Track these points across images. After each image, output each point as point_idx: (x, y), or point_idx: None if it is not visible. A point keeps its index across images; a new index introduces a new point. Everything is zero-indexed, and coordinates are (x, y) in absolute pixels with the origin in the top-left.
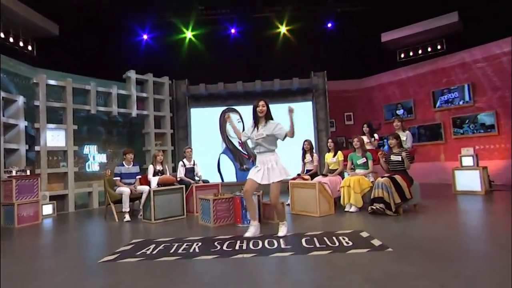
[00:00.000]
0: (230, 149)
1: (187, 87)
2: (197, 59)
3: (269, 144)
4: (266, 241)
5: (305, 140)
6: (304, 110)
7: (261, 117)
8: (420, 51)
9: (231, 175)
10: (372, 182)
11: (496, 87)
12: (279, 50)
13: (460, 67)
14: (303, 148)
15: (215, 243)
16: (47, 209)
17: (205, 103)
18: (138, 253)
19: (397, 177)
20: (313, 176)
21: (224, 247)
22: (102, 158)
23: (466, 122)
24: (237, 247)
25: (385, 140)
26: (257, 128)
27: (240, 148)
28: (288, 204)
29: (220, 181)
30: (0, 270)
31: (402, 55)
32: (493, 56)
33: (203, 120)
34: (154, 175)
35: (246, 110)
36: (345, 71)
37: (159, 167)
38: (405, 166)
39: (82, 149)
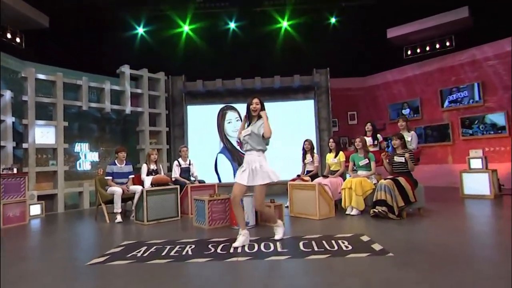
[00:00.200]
0: (228, 149)
1: (184, 84)
2: (194, 54)
3: (256, 143)
4: (262, 244)
5: (306, 140)
6: (305, 109)
7: (254, 116)
8: (427, 48)
9: (228, 176)
10: (374, 184)
11: (507, 86)
12: (280, 46)
13: (469, 65)
14: (303, 148)
15: (209, 246)
16: (35, 209)
17: (202, 100)
18: (129, 255)
19: (401, 180)
20: (313, 177)
21: (218, 250)
22: (94, 156)
23: (475, 122)
24: (231, 250)
25: (389, 141)
26: (248, 126)
27: (238, 147)
28: (287, 206)
29: (217, 181)
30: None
31: (409, 52)
32: (504, 53)
33: (200, 118)
34: (147, 175)
35: (245, 108)
36: (349, 68)
37: (153, 167)
38: (408, 168)
39: (73, 147)
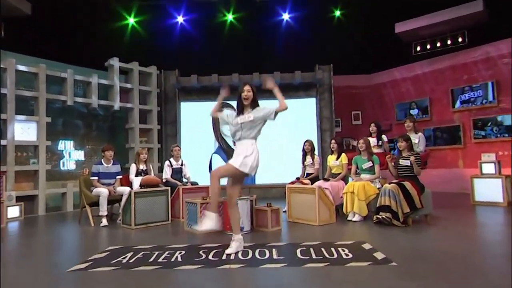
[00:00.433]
0: (224, 149)
1: (177, 78)
2: (189, 47)
3: (252, 131)
4: (257, 251)
5: (306, 141)
6: (307, 107)
7: (247, 105)
8: (438, 44)
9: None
10: (378, 188)
11: None
12: (281, 40)
13: (483, 62)
14: (303, 149)
15: (200, 252)
16: (13, 211)
17: (197, 97)
18: (113, 261)
19: (407, 184)
20: (313, 180)
21: (210, 257)
22: (79, 155)
23: (489, 124)
24: (224, 257)
25: (395, 143)
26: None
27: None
28: (285, 211)
29: None
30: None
31: (418, 48)
32: None
33: (194, 116)
34: (136, 175)
35: None
36: (354, 64)
37: (142, 167)
38: (414, 172)
39: (56, 144)
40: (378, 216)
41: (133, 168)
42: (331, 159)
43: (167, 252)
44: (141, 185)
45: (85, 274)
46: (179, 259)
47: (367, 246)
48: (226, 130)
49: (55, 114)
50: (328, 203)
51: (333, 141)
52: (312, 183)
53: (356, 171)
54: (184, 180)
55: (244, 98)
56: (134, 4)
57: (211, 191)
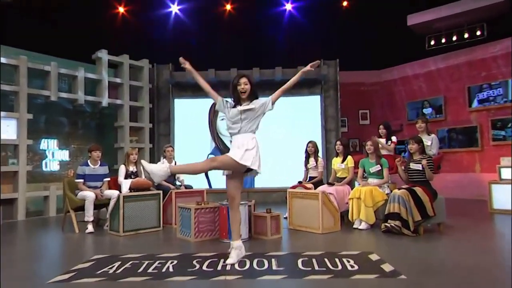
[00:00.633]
0: (221, 149)
1: (171, 73)
2: (184, 39)
3: (252, 123)
4: (255, 261)
5: (309, 142)
6: (310, 106)
7: (244, 99)
8: (454, 38)
9: (220, 181)
10: (387, 194)
11: None
12: (283, 32)
13: (503, 58)
14: (306, 151)
15: (194, 262)
16: None
17: (192, 93)
18: (99, 272)
19: (418, 190)
20: (317, 184)
21: (204, 267)
22: (64, 155)
23: (509, 125)
24: (219, 267)
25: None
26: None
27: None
28: (286, 217)
29: (207, 187)
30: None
31: (432, 42)
32: None
33: (189, 114)
34: (125, 178)
35: None
36: (362, 60)
37: (132, 168)
38: (426, 177)
39: (39, 143)
40: (386, 224)
41: (122, 169)
42: (336, 162)
43: (157, 262)
44: (131, 189)
45: (67, 286)
46: (171, 269)
47: (374, 257)
48: (223, 129)
49: (37, 111)
50: (332, 210)
51: (338, 142)
52: (315, 188)
53: (363, 175)
54: (177, 183)
55: (242, 92)
56: None
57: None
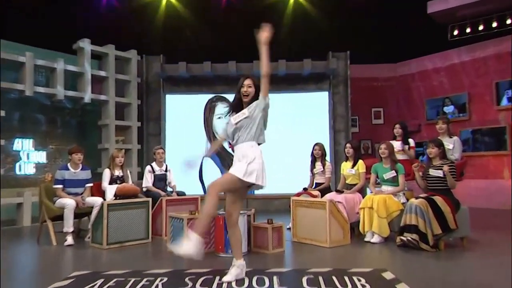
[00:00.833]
0: (217, 152)
1: (162, 66)
2: (177, 29)
3: (249, 130)
4: (254, 278)
5: (316, 144)
6: (317, 103)
7: (246, 102)
8: (481, 27)
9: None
10: (403, 204)
11: None
12: (287, 22)
13: None
14: (312, 154)
15: (186, 279)
16: None
17: (185, 88)
18: None
19: (438, 199)
20: (324, 192)
21: (198, 285)
22: (40, 157)
23: None
24: (214, 285)
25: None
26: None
27: (230, 150)
28: (289, 228)
29: (202, 193)
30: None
31: (456, 32)
32: None
33: (182, 111)
34: (110, 183)
35: None
36: (375, 52)
37: (118, 173)
38: (448, 185)
39: (11, 143)
40: (402, 237)
41: (106, 174)
42: (346, 167)
43: (145, 279)
44: (116, 195)
45: None
46: (160, 287)
47: (388, 275)
48: (220, 128)
49: (10, 107)
50: (341, 220)
51: (348, 145)
52: (322, 196)
53: (376, 181)
54: (169, 189)
55: (244, 95)
56: None
57: (204, 209)
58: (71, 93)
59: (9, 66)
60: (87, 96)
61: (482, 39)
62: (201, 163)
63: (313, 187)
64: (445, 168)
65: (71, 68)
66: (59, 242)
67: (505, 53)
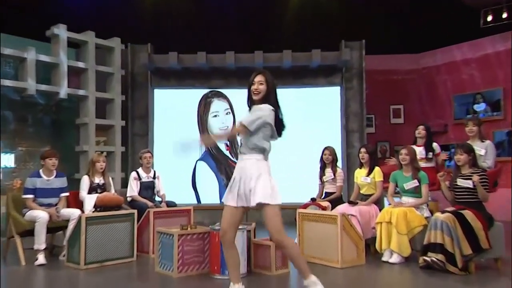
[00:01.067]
0: (213, 154)
1: (150, 56)
2: (167, 14)
3: (250, 141)
4: None
5: (325, 148)
6: (327, 99)
7: (256, 101)
8: None
9: (212, 194)
10: (426, 218)
11: None
12: (293, 6)
13: None
14: (321, 160)
15: None
16: None
17: (176, 82)
18: None
19: (467, 214)
20: (335, 203)
21: None
22: (8, 160)
23: None
24: None
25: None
26: None
27: (227, 153)
28: None
29: (195, 202)
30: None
31: (489, 18)
32: None
33: (173, 108)
34: (89, 192)
35: (239, 95)
36: (394, 41)
37: (98, 180)
38: (479, 197)
39: None
40: (425, 258)
41: (85, 181)
42: (360, 175)
43: None
44: (96, 206)
45: None
46: None
47: None
48: (216, 128)
49: None
50: (355, 237)
51: (363, 149)
52: (333, 207)
53: (395, 191)
54: (157, 199)
55: (254, 93)
56: None
57: (227, 259)
58: (44, 87)
59: None
60: (63, 90)
61: None
62: (195, 166)
63: (323, 197)
64: (475, 178)
65: (44, 58)
66: (29, 261)
67: None
